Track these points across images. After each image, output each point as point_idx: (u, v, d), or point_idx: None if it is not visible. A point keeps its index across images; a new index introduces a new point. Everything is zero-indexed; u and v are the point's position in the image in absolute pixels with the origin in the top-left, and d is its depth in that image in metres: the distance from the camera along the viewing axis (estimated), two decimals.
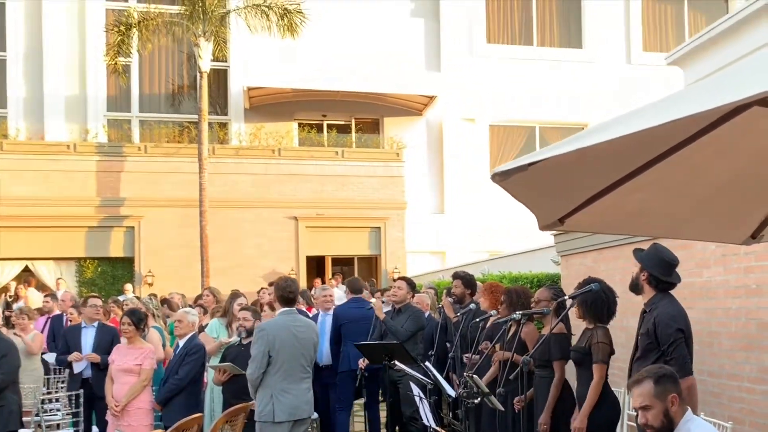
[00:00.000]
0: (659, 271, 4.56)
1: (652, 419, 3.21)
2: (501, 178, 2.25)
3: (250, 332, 6.55)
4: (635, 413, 4.97)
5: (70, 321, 9.63)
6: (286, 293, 5.87)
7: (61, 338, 8.27)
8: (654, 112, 1.89)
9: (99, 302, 8.36)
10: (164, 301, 10.41)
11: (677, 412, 3.22)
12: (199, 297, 10.67)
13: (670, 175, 3.04)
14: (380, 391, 8.52)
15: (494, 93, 20.55)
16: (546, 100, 20.41)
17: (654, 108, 1.94)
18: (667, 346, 4.36)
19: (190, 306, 8.94)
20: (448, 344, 7.73)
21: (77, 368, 7.82)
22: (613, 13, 21.53)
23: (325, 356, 8.27)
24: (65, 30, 18.99)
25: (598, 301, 5.02)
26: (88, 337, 7.94)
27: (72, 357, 7.73)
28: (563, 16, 21.69)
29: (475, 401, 5.17)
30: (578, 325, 5.60)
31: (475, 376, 5.06)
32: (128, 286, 16.11)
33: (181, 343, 6.71)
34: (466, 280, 7.61)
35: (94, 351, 7.77)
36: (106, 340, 7.76)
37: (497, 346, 5.97)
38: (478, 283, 7.99)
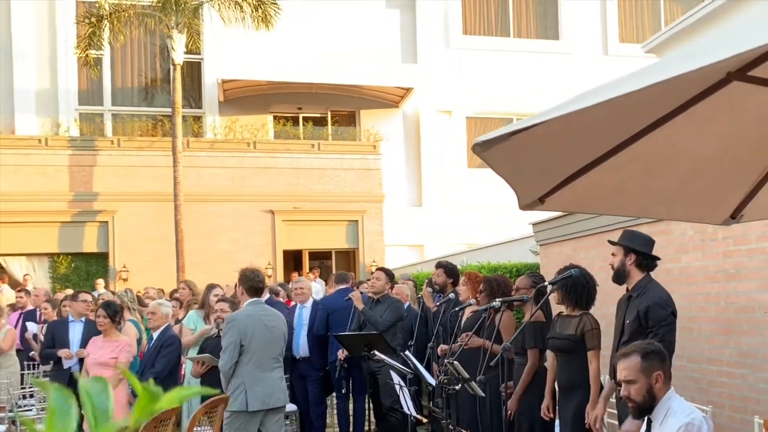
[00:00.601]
0: (646, 249, 4.58)
1: (635, 393, 3.21)
2: (482, 148, 2.19)
3: None
4: (615, 401, 4.97)
5: (44, 317, 9.49)
6: (255, 283, 5.84)
7: (48, 332, 8.13)
8: (640, 77, 1.84)
9: (89, 297, 8.24)
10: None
11: (660, 389, 3.22)
12: (175, 291, 10.55)
13: (651, 152, 3.00)
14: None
15: (471, 85, 20.53)
16: (523, 91, 20.42)
17: (640, 74, 1.90)
18: (658, 328, 4.35)
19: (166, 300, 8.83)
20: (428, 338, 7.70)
21: (67, 364, 7.69)
22: (589, 5, 21.61)
23: (302, 348, 8.20)
24: (34, 22, 18.67)
25: (578, 286, 5.02)
26: (75, 332, 7.81)
27: (63, 353, 7.57)
28: (540, 7, 21.73)
29: (456, 387, 5.13)
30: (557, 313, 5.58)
31: (455, 362, 5.02)
32: (100, 281, 15.87)
33: (155, 335, 6.62)
34: (449, 269, 7.58)
35: (82, 346, 7.64)
36: (94, 336, 7.63)
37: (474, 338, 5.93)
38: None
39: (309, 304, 8.45)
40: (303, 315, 8.34)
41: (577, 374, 4.98)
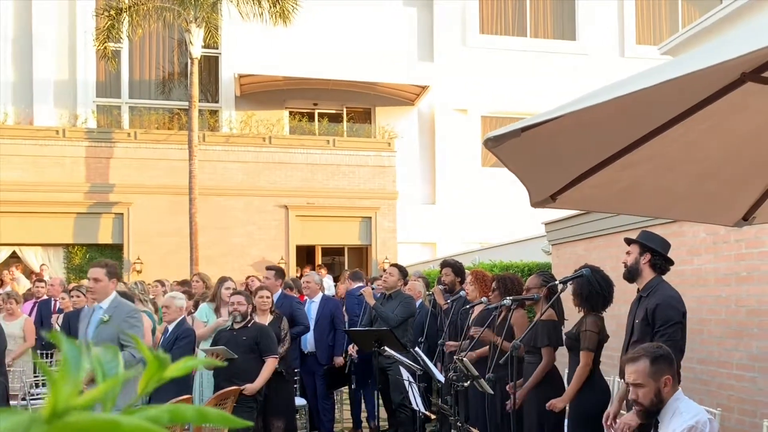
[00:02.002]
0: (662, 250, 4.58)
1: (643, 397, 3.22)
2: (493, 144, 2.21)
3: (244, 317, 6.56)
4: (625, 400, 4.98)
5: (62, 306, 9.59)
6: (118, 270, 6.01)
7: (64, 322, 8.23)
8: (654, 75, 1.86)
9: None
10: (183, 283, 10.38)
11: (669, 392, 3.22)
12: (184, 282, 10.63)
13: (664, 152, 3.01)
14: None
15: (486, 84, 20.51)
16: (539, 92, 20.37)
17: (654, 72, 1.91)
18: (666, 328, 4.34)
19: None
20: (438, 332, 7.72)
21: None
22: (606, 6, 21.52)
23: (309, 343, 8.23)
24: (55, 14, 18.83)
25: (593, 292, 5.02)
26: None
27: None
28: (557, 7, 21.66)
29: (465, 384, 5.15)
30: (571, 312, 5.59)
31: (465, 359, 5.04)
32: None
33: (170, 327, 6.66)
34: (456, 267, 7.59)
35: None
36: None
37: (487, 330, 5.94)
38: (466, 271, 7.97)
39: (317, 298, 8.46)
40: (311, 309, 8.35)
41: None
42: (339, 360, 8.29)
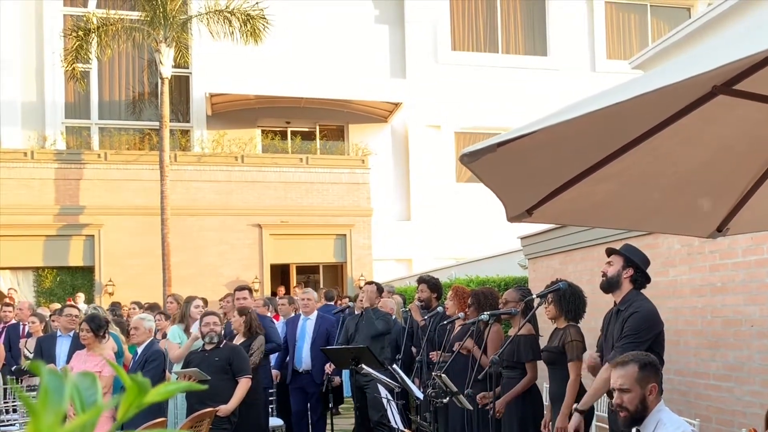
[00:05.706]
0: (644, 267, 4.57)
1: (628, 402, 3.23)
2: (469, 159, 2.20)
3: (220, 337, 6.52)
4: (606, 414, 4.97)
5: (31, 330, 9.43)
6: None
7: (36, 347, 8.08)
8: (627, 89, 1.85)
9: (76, 312, 8.18)
10: (152, 307, 10.24)
11: (653, 401, 3.24)
12: (154, 304, 10.51)
13: (637, 165, 3.02)
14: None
15: (459, 100, 20.61)
16: (511, 107, 20.48)
17: (627, 86, 1.91)
18: (631, 336, 4.33)
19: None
20: (414, 349, 7.66)
21: None
22: (577, 21, 21.77)
23: (304, 361, 8.10)
24: (22, 35, 18.62)
25: (575, 298, 5.03)
26: (63, 347, 7.74)
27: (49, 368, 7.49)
28: (528, 23, 21.88)
29: (444, 401, 5.11)
30: (545, 327, 5.59)
31: (443, 375, 5.00)
32: (80, 295, 15.71)
33: (140, 350, 6.55)
34: (432, 284, 7.58)
35: (68, 361, 7.57)
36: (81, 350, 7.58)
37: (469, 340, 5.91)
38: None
39: (313, 316, 8.34)
40: (306, 327, 8.21)
41: (561, 386, 4.98)
42: (336, 379, 8.15)
